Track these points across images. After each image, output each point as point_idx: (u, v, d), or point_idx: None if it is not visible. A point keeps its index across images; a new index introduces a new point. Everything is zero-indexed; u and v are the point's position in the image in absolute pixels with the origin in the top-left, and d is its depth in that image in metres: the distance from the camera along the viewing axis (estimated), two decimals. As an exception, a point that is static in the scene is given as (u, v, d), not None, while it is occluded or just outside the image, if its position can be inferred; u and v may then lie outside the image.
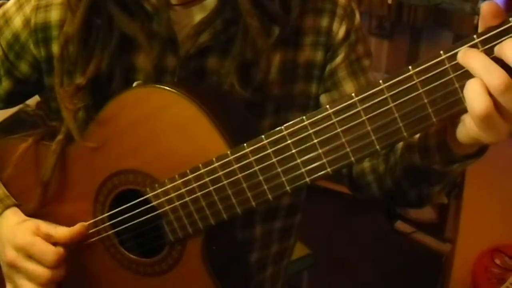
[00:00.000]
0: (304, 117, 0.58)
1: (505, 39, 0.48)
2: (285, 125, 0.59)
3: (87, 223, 0.74)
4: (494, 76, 0.48)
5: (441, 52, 0.52)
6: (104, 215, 0.73)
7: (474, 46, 0.50)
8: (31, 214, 0.78)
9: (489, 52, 0.49)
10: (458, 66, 0.51)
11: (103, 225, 0.74)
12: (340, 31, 0.76)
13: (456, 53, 0.51)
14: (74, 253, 0.75)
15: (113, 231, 0.74)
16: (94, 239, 0.75)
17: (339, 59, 0.77)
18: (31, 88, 0.83)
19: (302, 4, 0.73)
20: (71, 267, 0.75)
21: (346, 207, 2.92)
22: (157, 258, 0.71)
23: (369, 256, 2.64)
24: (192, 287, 0.71)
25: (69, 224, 0.76)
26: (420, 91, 0.53)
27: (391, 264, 2.58)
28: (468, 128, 0.53)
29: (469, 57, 0.49)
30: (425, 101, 0.53)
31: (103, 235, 0.74)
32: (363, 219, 2.91)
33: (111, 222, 0.73)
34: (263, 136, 0.60)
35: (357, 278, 2.50)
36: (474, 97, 0.49)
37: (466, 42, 0.51)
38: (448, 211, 2.60)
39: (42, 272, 0.72)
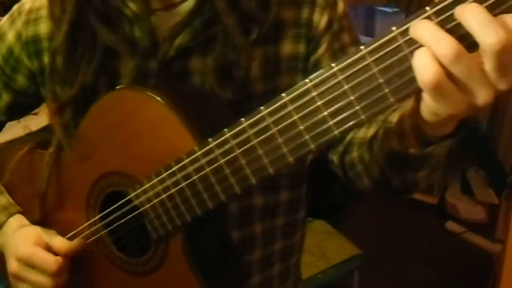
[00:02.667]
0: (263, 109, 0.57)
1: None
2: (246, 117, 0.58)
3: (82, 235, 0.77)
4: (443, 45, 0.45)
5: (393, 28, 0.49)
6: (94, 218, 0.75)
7: (428, 18, 0.47)
8: (35, 223, 0.81)
9: (443, 24, 0.47)
10: (412, 41, 0.48)
11: (95, 227, 0.76)
12: (321, 21, 0.75)
13: (409, 28, 0.49)
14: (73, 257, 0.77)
15: (103, 232, 0.75)
16: (88, 241, 0.77)
17: (322, 49, 0.75)
18: (31, 100, 0.86)
19: None
20: (73, 270, 0.77)
21: (396, 207, 2.88)
22: (145, 258, 0.72)
23: (419, 256, 2.62)
24: (178, 286, 0.71)
25: (70, 229, 0.79)
26: (374, 70, 0.51)
27: (441, 264, 2.54)
28: (426, 103, 0.51)
29: (418, 28, 0.47)
30: (381, 80, 0.51)
31: (96, 236, 0.76)
32: (413, 219, 2.89)
33: (101, 223, 0.75)
34: (226, 130, 0.60)
35: (407, 278, 2.48)
36: (421, 66, 0.47)
37: (419, 15, 0.48)
38: (499, 211, 2.56)
39: (46, 281, 0.75)
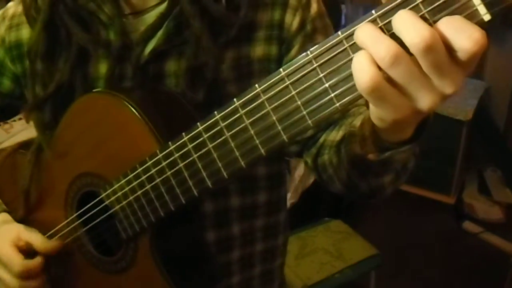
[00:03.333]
0: (217, 114, 0.58)
1: None
2: (201, 121, 0.59)
3: (60, 234, 0.79)
4: (381, 48, 0.44)
5: (339, 32, 0.49)
6: (70, 218, 0.77)
7: (373, 22, 0.47)
8: (20, 221, 0.83)
9: (388, 27, 0.46)
10: (357, 45, 0.47)
11: (72, 226, 0.78)
12: (294, 22, 0.75)
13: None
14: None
15: (80, 231, 0.77)
16: (66, 241, 0.79)
17: (294, 50, 0.75)
18: (18, 102, 0.88)
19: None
20: (52, 270, 0.80)
21: (413, 207, 2.86)
22: (117, 257, 0.74)
23: (436, 256, 2.61)
24: (146, 285, 0.72)
25: (51, 227, 0.81)
26: (320, 75, 0.50)
27: (458, 264, 2.53)
28: (370, 108, 0.50)
29: (359, 31, 0.46)
30: (326, 85, 0.50)
31: (73, 236, 0.78)
32: (431, 219, 2.87)
33: (77, 222, 0.77)
34: (183, 133, 0.61)
35: (424, 278, 2.47)
36: (358, 69, 0.45)
37: (364, 19, 0.47)
38: (516, 211, 2.50)
39: (10, 281, 0.78)
